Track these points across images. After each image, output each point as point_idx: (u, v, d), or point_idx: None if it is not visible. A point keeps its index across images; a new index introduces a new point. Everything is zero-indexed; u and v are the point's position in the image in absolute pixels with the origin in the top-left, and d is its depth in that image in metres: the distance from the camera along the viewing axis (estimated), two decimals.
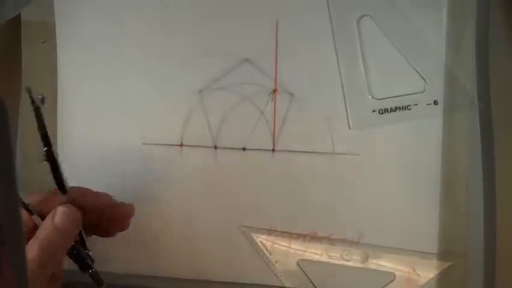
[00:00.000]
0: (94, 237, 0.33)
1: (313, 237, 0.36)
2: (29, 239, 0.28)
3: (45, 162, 0.30)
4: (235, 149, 0.37)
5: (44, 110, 0.30)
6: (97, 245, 0.37)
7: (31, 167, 0.38)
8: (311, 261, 0.36)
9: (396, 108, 0.35)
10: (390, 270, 0.35)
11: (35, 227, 0.29)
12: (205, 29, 0.37)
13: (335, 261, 0.36)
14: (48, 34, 0.38)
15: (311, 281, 0.36)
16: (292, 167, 0.36)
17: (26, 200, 0.30)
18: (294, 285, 0.36)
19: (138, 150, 0.37)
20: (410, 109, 0.35)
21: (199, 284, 0.37)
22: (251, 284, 0.37)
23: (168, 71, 0.37)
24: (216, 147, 0.37)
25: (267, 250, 0.36)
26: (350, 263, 0.36)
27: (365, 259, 0.35)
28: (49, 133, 0.37)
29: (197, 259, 0.37)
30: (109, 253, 0.35)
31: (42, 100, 0.30)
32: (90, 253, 0.31)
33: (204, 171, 0.37)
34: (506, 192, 0.35)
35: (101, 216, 0.32)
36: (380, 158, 0.36)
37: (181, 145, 0.37)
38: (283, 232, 0.36)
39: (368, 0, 0.36)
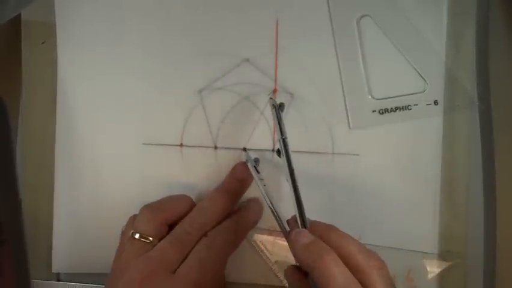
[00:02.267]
0: None
1: None
2: None
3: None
4: (235, 149, 0.37)
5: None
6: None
7: (31, 167, 0.38)
8: None
9: (396, 108, 0.35)
10: (390, 270, 0.35)
11: None
12: (205, 29, 0.37)
13: None
14: (48, 34, 0.37)
15: None
16: None
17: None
18: None
19: (138, 150, 0.37)
20: (410, 109, 0.35)
21: None
22: (251, 284, 0.37)
23: (168, 71, 0.37)
24: (216, 147, 0.37)
25: (267, 250, 0.36)
26: None
27: None
28: (48, 133, 0.38)
29: None
30: (108, 254, 0.35)
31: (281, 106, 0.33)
32: None
33: (204, 171, 0.37)
34: (506, 192, 0.35)
35: None
36: (379, 158, 0.36)
37: (181, 145, 0.37)
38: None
39: (368, 0, 0.36)
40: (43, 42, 0.38)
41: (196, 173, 0.37)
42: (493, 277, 0.34)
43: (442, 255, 0.35)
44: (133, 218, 0.34)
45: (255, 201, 0.36)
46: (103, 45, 0.37)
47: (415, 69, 0.35)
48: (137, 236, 0.32)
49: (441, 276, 0.35)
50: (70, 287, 0.38)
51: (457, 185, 0.35)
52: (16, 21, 0.37)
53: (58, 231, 0.37)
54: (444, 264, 0.35)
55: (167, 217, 0.33)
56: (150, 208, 0.33)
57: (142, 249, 0.31)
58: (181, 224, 0.32)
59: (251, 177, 0.35)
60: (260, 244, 0.36)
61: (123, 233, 0.33)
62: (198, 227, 0.32)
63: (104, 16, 0.37)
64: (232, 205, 0.34)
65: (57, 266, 0.38)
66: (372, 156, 0.36)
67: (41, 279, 0.38)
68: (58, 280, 0.38)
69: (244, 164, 0.35)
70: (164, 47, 0.37)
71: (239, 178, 0.35)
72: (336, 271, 0.25)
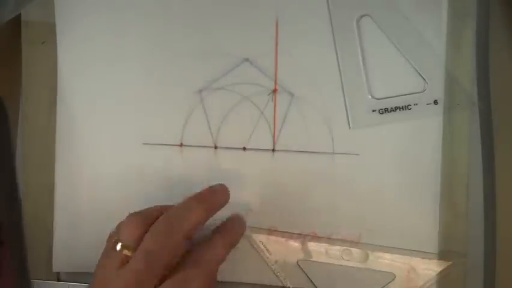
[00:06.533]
0: None
1: (313, 237, 0.36)
2: None
3: None
4: (235, 149, 0.37)
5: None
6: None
7: (31, 167, 0.38)
8: (311, 261, 0.36)
9: (396, 108, 0.36)
10: (390, 270, 0.35)
11: None
12: (205, 29, 0.37)
13: (335, 261, 0.36)
14: (48, 34, 0.38)
15: (311, 281, 0.36)
16: (292, 167, 0.36)
17: None
18: (294, 285, 0.36)
19: (138, 150, 0.37)
20: (410, 109, 0.35)
21: None
22: (251, 284, 0.37)
23: (168, 71, 0.37)
24: (216, 147, 0.37)
25: (267, 250, 0.36)
26: (350, 263, 0.36)
27: (365, 259, 0.35)
28: (48, 133, 0.38)
29: None
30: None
31: None
32: None
33: (204, 171, 0.37)
34: (506, 192, 0.35)
35: None
36: (379, 158, 0.36)
37: (181, 145, 0.37)
38: (283, 232, 0.36)
39: (368, 0, 0.36)
40: (43, 42, 0.38)
41: (196, 173, 0.37)
42: (493, 277, 0.34)
43: (442, 255, 0.35)
44: (121, 224, 0.32)
45: (237, 217, 0.36)
46: (103, 45, 0.37)
47: (415, 69, 0.35)
48: (118, 247, 0.30)
49: (441, 276, 0.35)
50: (70, 287, 0.38)
51: (457, 185, 0.35)
52: (16, 21, 0.37)
53: (58, 231, 0.37)
54: (444, 264, 0.35)
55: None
56: (136, 217, 0.31)
57: (123, 260, 0.30)
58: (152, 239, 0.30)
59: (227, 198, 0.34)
60: (260, 244, 0.36)
61: (109, 236, 0.32)
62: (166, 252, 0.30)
63: (104, 16, 0.37)
64: (206, 219, 0.32)
65: (57, 265, 0.38)
66: (372, 156, 0.36)
67: (41, 279, 0.38)
68: (58, 280, 0.38)
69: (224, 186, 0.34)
70: (164, 47, 0.37)
71: (217, 194, 0.33)
72: None
